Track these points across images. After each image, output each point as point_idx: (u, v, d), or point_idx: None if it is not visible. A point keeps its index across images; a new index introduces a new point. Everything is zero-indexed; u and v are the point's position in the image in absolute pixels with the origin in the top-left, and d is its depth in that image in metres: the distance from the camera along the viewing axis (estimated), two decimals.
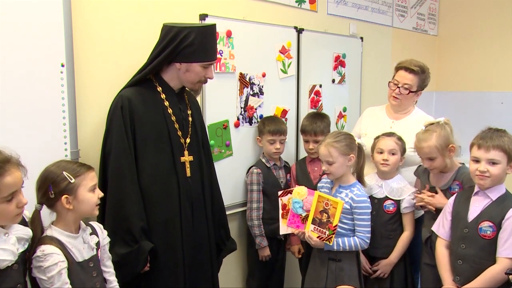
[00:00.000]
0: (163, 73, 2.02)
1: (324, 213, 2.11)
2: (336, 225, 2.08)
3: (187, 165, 2.04)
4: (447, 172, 2.21)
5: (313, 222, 2.16)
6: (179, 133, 2.03)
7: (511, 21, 3.99)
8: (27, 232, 1.51)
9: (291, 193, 2.30)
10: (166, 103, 2.00)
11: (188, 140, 2.06)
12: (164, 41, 1.93)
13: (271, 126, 2.62)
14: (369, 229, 2.16)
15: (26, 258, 1.52)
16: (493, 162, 1.86)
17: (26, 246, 1.51)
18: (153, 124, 1.96)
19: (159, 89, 2.00)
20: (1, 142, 1.71)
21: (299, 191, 2.23)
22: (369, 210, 2.16)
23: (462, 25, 4.31)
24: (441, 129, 2.16)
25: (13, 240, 1.43)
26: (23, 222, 1.54)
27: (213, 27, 2.02)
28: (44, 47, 1.83)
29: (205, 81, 2.07)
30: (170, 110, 2.01)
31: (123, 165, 1.89)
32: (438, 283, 2.03)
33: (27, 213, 1.58)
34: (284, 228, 2.33)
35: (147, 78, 2.00)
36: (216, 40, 2.07)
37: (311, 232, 2.16)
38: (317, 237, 2.14)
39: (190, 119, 2.10)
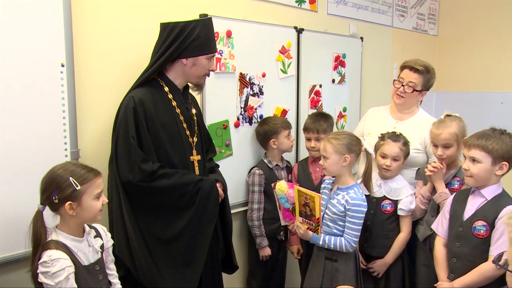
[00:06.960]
0: (168, 72, 2.01)
1: (307, 206, 2.11)
2: (319, 218, 2.08)
3: (196, 164, 2.06)
4: (450, 169, 2.21)
5: (301, 214, 2.18)
6: (187, 132, 2.04)
7: (511, 21, 3.99)
8: None
9: None
10: (174, 103, 2.01)
11: (195, 139, 2.08)
12: (170, 38, 1.92)
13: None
14: (358, 233, 2.12)
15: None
16: (473, 160, 1.88)
17: None
18: (165, 125, 1.96)
19: (166, 88, 2.00)
20: (1, 142, 1.73)
21: (280, 187, 2.24)
22: (363, 215, 2.12)
23: (462, 25, 4.31)
24: (460, 121, 2.21)
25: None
26: None
27: (211, 19, 2.05)
28: (44, 47, 1.83)
29: (208, 74, 2.09)
30: (178, 110, 2.02)
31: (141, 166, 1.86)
32: (434, 283, 2.04)
33: None
34: (282, 220, 2.38)
35: (152, 78, 1.99)
36: (214, 32, 2.09)
37: (299, 223, 2.18)
38: (307, 228, 2.16)
39: (195, 118, 2.11)
